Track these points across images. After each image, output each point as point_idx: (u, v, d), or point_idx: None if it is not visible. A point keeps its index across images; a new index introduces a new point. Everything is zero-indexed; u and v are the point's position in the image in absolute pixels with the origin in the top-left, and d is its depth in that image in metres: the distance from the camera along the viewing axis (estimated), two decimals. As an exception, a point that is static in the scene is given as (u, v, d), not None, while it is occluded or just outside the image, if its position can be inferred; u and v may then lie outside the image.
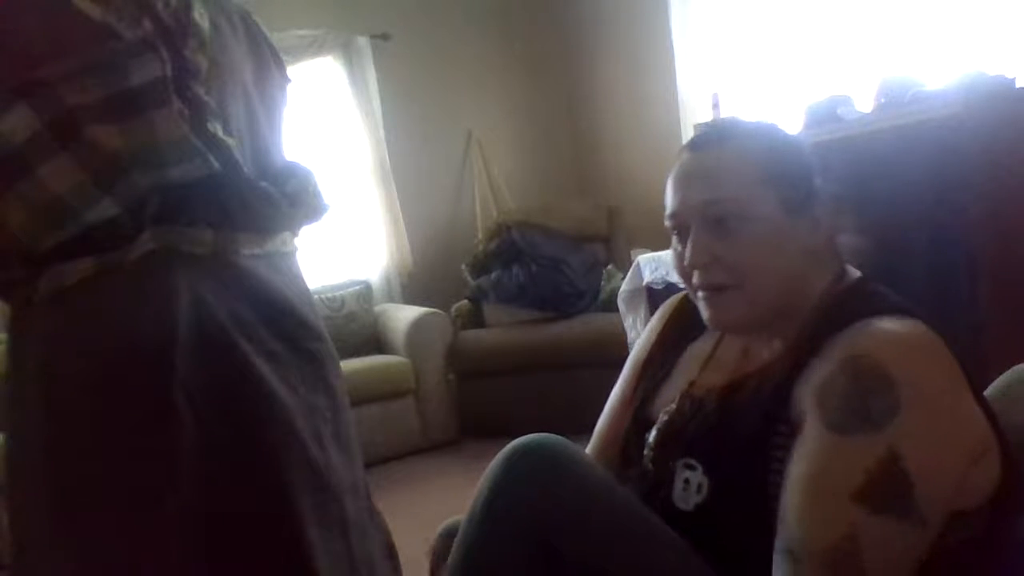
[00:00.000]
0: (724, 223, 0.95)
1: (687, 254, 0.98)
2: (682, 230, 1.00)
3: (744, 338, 1.05)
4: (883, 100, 2.23)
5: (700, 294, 1.00)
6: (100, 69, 0.87)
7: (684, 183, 1.00)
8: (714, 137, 1.01)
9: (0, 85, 0.86)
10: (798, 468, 0.84)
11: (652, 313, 3.31)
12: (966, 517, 0.84)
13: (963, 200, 1.70)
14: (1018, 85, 2.06)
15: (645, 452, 1.06)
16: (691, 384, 1.06)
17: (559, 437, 1.01)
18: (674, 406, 1.05)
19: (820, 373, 0.87)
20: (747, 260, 0.95)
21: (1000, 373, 0.98)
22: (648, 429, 1.07)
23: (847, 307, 0.93)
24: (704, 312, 1.01)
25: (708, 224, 0.96)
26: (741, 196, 0.95)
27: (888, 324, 0.87)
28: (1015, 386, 0.96)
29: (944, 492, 0.81)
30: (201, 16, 0.98)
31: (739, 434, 0.93)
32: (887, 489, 0.79)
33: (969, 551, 0.84)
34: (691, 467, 0.98)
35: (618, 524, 0.95)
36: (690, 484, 0.97)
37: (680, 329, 1.17)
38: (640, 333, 3.21)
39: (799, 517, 0.82)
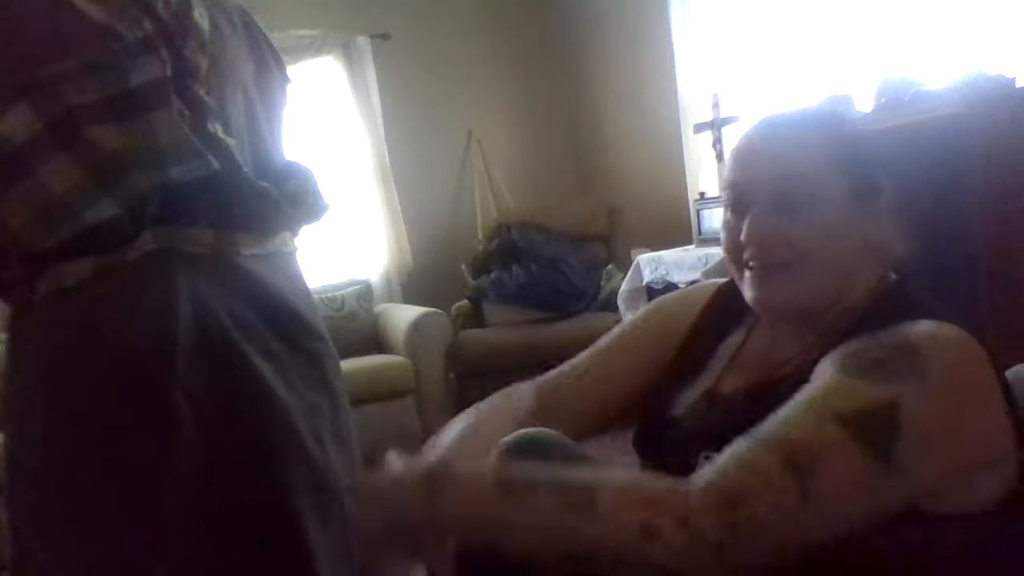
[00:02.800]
0: (791, 202, 0.92)
1: (745, 227, 0.94)
2: (739, 204, 0.97)
3: (773, 334, 1.04)
4: (883, 100, 2.24)
5: (750, 273, 0.97)
6: (100, 69, 0.87)
7: (752, 156, 0.96)
8: (787, 116, 1.00)
9: (1, 85, 0.86)
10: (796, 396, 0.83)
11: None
12: (974, 519, 0.83)
13: (963, 200, 1.70)
14: (1018, 85, 2.06)
15: (665, 444, 1.05)
16: (717, 380, 1.05)
17: (554, 432, 1.00)
18: (703, 405, 1.03)
19: (849, 343, 0.86)
20: (809, 241, 0.93)
21: (1000, 373, 0.98)
22: (667, 423, 1.06)
23: (888, 308, 0.92)
24: (750, 291, 0.98)
25: (773, 202, 0.93)
26: (812, 175, 0.92)
27: (932, 325, 0.86)
28: (1015, 386, 0.96)
29: (927, 466, 0.80)
30: (201, 16, 0.98)
31: None
32: (873, 425, 0.77)
33: (974, 553, 0.84)
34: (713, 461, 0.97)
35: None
36: None
37: (713, 321, 1.13)
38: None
39: (777, 419, 0.81)
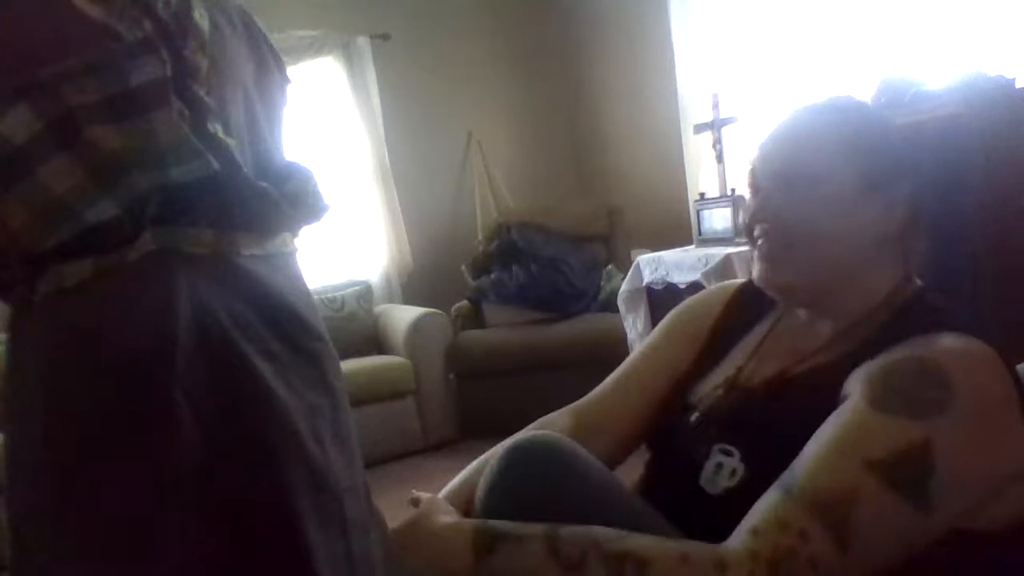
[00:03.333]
0: (795, 184, 0.96)
1: (752, 207, 1.00)
2: (754, 186, 1.02)
3: (794, 326, 1.05)
4: (883, 100, 2.24)
5: (756, 251, 1.02)
6: (100, 70, 0.87)
7: (770, 140, 1.02)
8: (811, 105, 1.03)
9: (1, 85, 0.86)
10: (823, 429, 0.83)
11: (652, 313, 3.30)
12: (989, 537, 0.83)
13: (963, 200, 1.70)
14: (1018, 85, 2.06)
15: (678, 431, 1.05)
16: (738, 370, 1.06)
17: (556, 434, 1.01)
18: (721, 392, 1.04)
19: (877, 362, 0.87)
20: (809, 223, 0.95)
21: (1013, 371, 0.98)
22: (684, 408, 1.07)
23: (911, 319, 0.92)
24: (755, 268, 1.02)
25: (780, 184, 0.98)
26: (819, 169, 0.95)
27: (956, 340, 0.86)
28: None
29: (962, 500, 0.81)
30: (201, 16, 0.98)
31: (785, 431, 0.91)
32: (906, 470, 0.78)
33: (990, 570, 0.84)
34: (727, 452, 0.97)
35: (619, 521, 0.95)
36: (723, 468, 0.96)
37: (735, 319, 1.16)
38: (640, 333, 3.20)
39: (808, 464, 0.81)
